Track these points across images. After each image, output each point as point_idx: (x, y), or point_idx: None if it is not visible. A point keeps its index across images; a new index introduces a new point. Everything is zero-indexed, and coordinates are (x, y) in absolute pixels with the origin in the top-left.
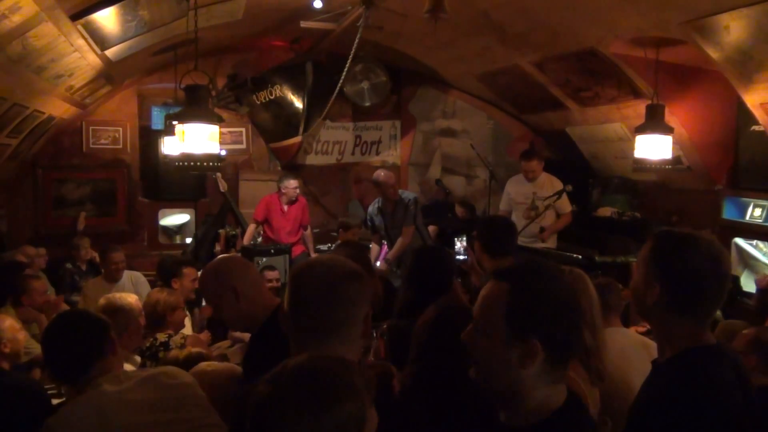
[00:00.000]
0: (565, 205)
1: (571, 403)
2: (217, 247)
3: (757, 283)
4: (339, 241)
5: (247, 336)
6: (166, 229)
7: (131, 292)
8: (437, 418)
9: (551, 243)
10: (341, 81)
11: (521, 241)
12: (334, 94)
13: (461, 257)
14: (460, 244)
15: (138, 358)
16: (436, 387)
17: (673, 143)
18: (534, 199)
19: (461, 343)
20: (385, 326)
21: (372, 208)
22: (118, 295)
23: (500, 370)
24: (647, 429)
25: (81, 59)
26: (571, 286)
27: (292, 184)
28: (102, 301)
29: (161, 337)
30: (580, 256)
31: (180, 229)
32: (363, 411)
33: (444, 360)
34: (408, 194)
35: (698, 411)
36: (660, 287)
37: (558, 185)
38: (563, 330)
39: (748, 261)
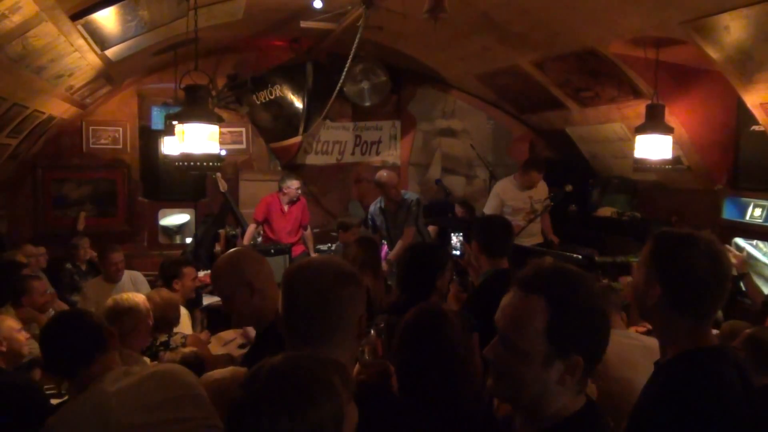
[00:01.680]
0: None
1: (587, 409)
2: (217, 247)
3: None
4: (339, 242)
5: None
6: (166, 229)
7: (131, 292)
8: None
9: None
10: (341, 81)
11: (525, 242)
12: (334, 94)
13: (457, 252)
14: (456, 239)
15: (147, 360)
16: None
17: (673, 143)
18: (532, 203)
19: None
20: (382, 324)
21: (374, 207)
22: (126, 295)
23: (533, 386)
24: (649, 430)
25: (81, 59)
26: (601, 293)
27: (294, 185)
28: (109, 302)
29: (161, 337)
30: (580, 256)
31: (180, 229)
32: (341, 408)
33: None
34: (411, 195)
35: (700, 412)
36: (660, 287)
37: (545, 187)
38: (601, 341)
39: (748, 261)
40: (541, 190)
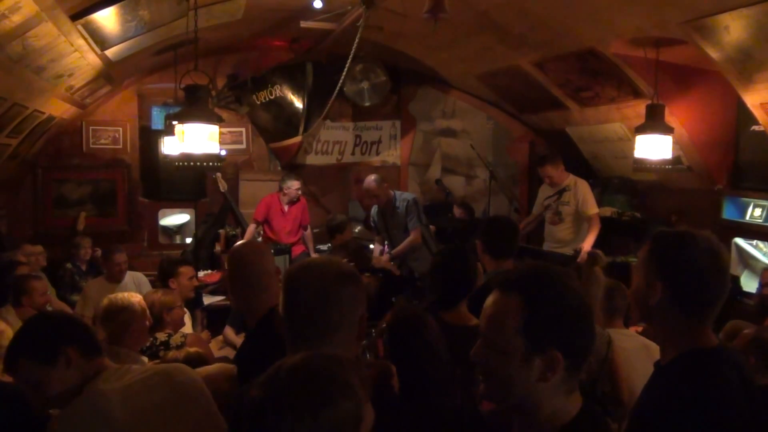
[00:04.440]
0: (588, 206)
1: (586, 411)
2: (218, 247)
3: (762, 278)
4: (330, 244)
5: (240, 340)
6: (166, 229)
7: (128, 292)
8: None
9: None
10: (341, 81)
11: (547, 246)
12: (334, 94)
13: None
14: None
15: (146, 359)
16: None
17: (673, 143)
18: (558, 205)
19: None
20: (384, 325)
21: (374, 210)
22: (121, 295)
23: (518, 385)
24: (649, 431)
25: (81, 59)
26: (580, 290)
27: (294, 185)
28: (105, 301)
29: (161, 336)
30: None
31: (180, 229)
32: (360, 408)
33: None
34: (407, 195)
35: (701, 413)
36: (662, 285)
37: (582, 187)
38: (581, 337)
39: (748, 261)
40: (571, 191)
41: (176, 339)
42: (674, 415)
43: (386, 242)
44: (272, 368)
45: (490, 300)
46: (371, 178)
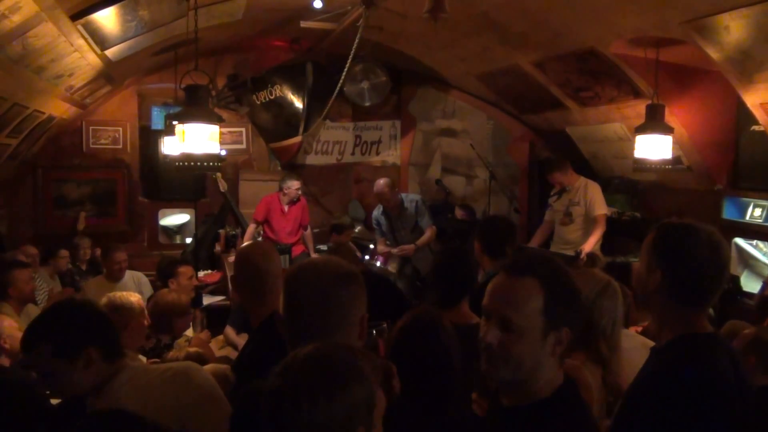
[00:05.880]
0: (596, 207)
1: (568, 383)
2: (217, 247)
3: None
4: (331, 244)
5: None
6: (166, 229)
7: (134, 293)
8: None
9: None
10: (341, 81)
11: (556, 247)
12: (334, 94)
13: None
14: None
15: (143, 359)
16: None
17: (673, 143)
18: (568, 206)
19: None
20: (384, 325)
21: (377, 212)
22: (119, 293)
23: (530, 360)
24: (641, 408)
25: (81, 59)
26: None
27: (294, 185)
28: (104, 299)
29: (165, 338)
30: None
31: (180, 229)
32: (372, 394)
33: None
34: (413, 196)
35: (691, 393)
36: (661, 273)
37: (592, 188)
38: (581, 316)
39: (748, 261)
40: (581, 192)
41: (180, 342)
42: (665, 394)
43: (391, 244)
44: (288, 357)
45: (503, 283)
46: (383, 183)
